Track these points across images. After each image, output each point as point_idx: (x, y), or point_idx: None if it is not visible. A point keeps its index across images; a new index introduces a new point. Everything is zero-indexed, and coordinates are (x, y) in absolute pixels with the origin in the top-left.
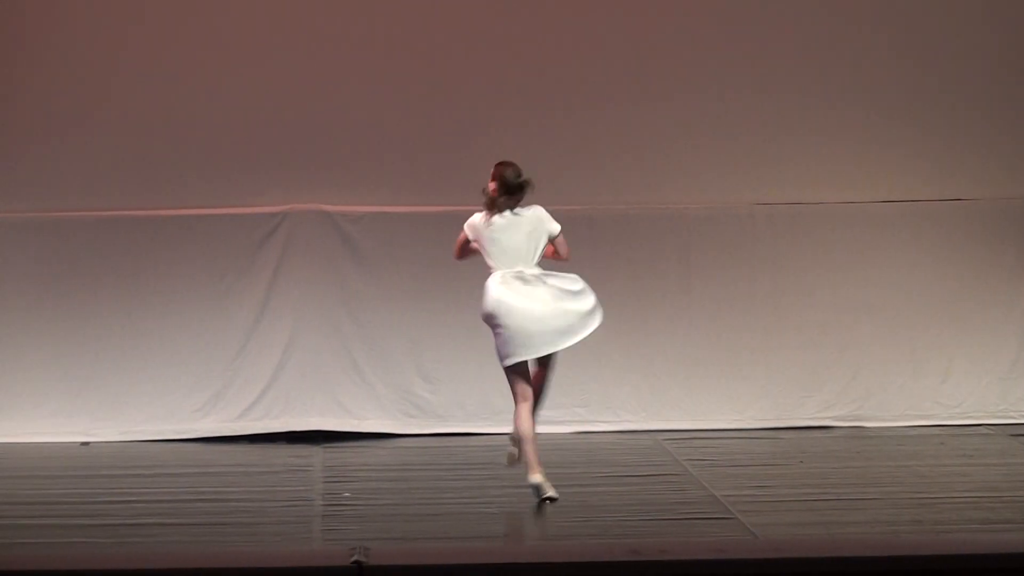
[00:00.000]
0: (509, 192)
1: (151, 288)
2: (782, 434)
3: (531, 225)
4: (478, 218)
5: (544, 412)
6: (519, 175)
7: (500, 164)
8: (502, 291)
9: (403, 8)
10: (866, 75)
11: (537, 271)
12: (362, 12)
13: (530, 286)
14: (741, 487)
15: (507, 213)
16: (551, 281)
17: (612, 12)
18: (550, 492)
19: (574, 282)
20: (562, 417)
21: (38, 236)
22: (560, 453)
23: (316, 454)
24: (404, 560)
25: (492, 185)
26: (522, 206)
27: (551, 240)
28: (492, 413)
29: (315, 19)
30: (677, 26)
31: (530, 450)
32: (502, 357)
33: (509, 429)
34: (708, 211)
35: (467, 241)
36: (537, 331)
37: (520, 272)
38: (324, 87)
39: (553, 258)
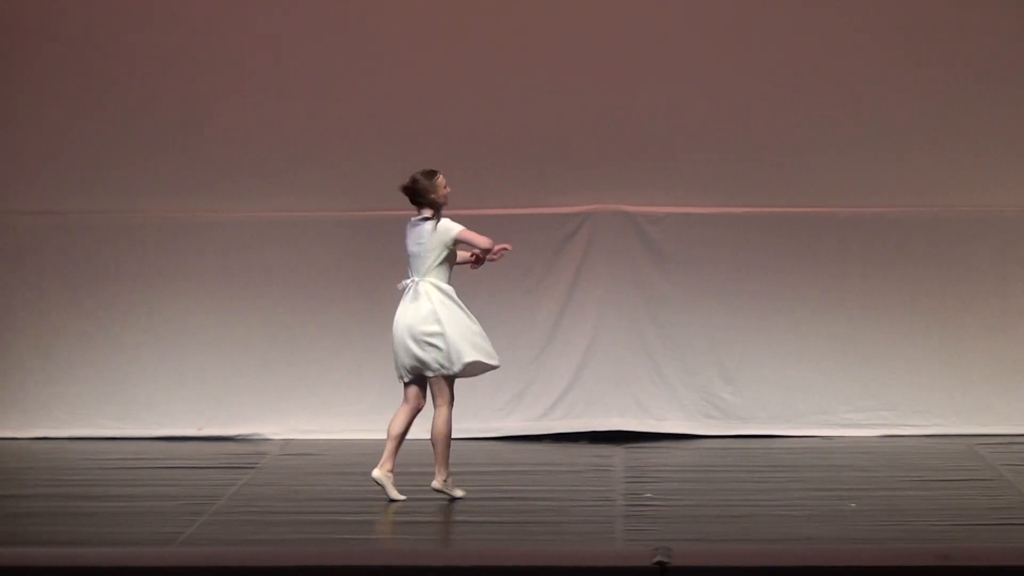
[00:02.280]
0: (409, 197)
1: (454, 287)
2: None
3: (424, 236)
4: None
5: (848, 415)
6: (412, 179)
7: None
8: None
9: (713, 3)
10: None
11: (427, 285)
12: (673, 6)
13: (409, 302)
14: None
15: (413, 219)
16: (419, 306)
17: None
18: (391, 492)
19: (428, 322)
20: (868, 420)
21: (353, 234)
22: (866, 456)
23: (617, 454)
24: (706, 561)
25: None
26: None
27: (456, 245)
28: (795, 415)
29: (620, 16)
30: (959, 21)
31: (389, 446)
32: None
33: (808, 431)
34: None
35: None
36: (398, 351)
37: (413, 282)
38: (628, 86)
39: (477, 260)
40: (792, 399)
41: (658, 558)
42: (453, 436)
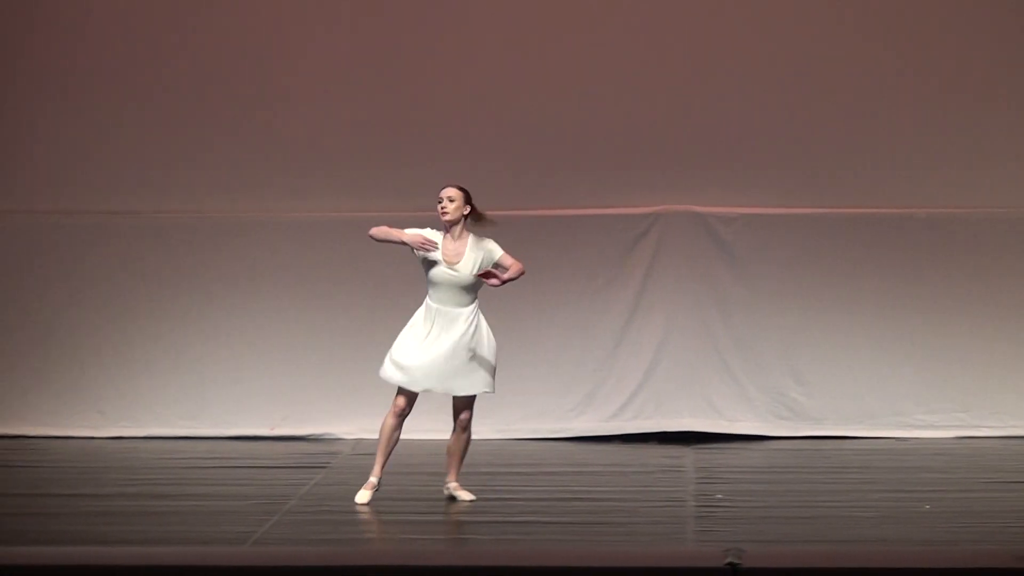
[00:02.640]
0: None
1: (526, 288)
2: None
3: None
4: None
5: (922, 416)
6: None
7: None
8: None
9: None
10: None
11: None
12: (745, 7)
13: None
14: None
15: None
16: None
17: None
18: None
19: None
20: (942, 422)
21: None
22: (940, 458)
23: (687, 455)
24: (779, 563)
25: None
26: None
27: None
28: (868, 416)
29: (693, 16)
30: None
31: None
32: None
33: (881, 433)
34: None
35: None
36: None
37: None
38: (700, 86)
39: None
40: (865, 400)
41: (730, 559)
42: (524, 437)
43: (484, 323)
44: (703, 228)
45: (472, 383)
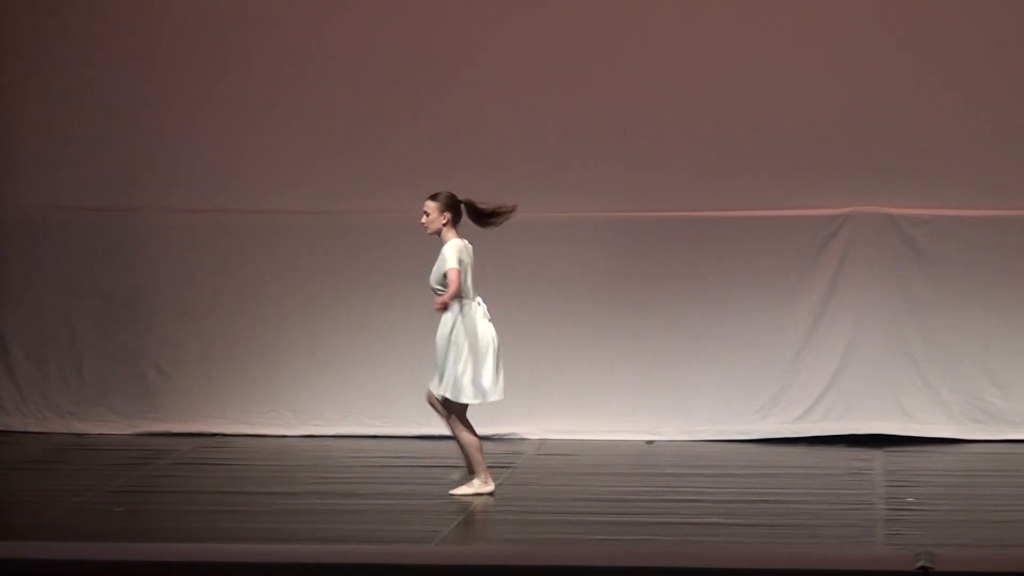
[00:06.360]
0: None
1: (712, 289)
2: None
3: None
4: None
5: None
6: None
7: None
8: (488, 326)
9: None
10: None
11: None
12: (932, 8)
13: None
14: None
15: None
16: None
17: None
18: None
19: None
20: None
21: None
22: None
23: (877, 458)
24: (972, 567)
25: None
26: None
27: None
28: None
29: (881, 18)
30: None
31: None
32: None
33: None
34: None
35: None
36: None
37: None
38: (891, 86)
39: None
40: None
41: (921, 563)
42: (710, 438)
43: (459, 327)
44: (894, 229)
45: (436, 385)
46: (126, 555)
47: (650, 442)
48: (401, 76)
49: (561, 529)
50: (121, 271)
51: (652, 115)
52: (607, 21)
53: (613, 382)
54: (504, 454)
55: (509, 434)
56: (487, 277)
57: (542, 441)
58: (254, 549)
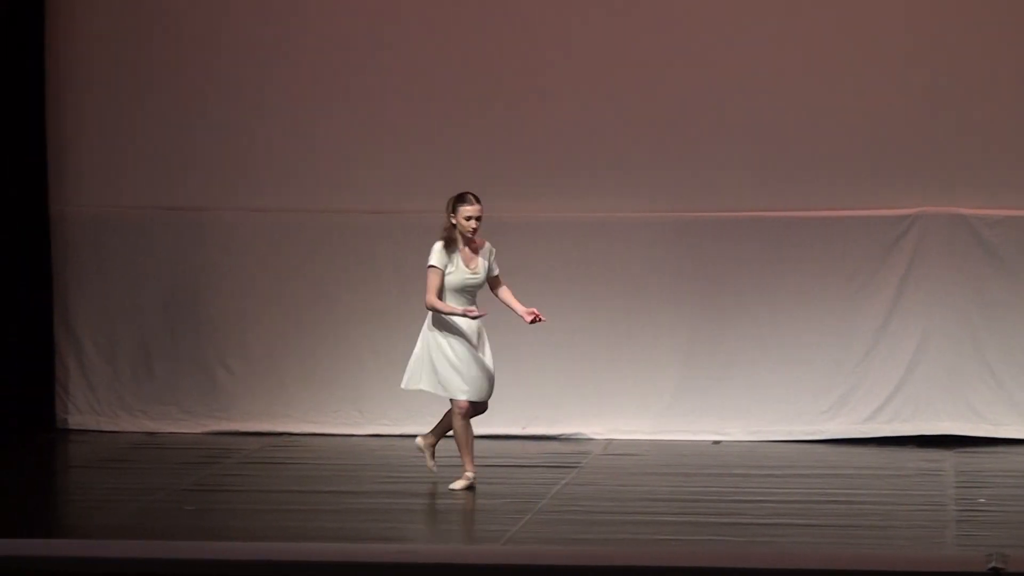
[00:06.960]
0: None
1: (781, 289)
2: None
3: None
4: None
5: None
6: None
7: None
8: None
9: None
10: None
11: None
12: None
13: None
14: None
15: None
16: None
17: None
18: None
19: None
20: None
21: (666, 235)
22: None
23: (947, 458)
24: None
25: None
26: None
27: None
28: None
29: (958, 20)
30: None
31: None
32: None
33: None
34: None
35: None
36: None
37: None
38: (960, 86)
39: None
40: None
41: (993, 564)
42: (777, 439)
43: (425, 325)
44: (965, 229)
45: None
46: (197, 554)
47: (716, 442)
48: (476, 76)
49: (627, 529)
50: (189, 270)
51: (720, 116)
52: (675, 16)
53: (679, 382)
54: (570, 454)
55: (575, 434)
56: (556, 277)
57: (608, 441)
58: (322, 548)
